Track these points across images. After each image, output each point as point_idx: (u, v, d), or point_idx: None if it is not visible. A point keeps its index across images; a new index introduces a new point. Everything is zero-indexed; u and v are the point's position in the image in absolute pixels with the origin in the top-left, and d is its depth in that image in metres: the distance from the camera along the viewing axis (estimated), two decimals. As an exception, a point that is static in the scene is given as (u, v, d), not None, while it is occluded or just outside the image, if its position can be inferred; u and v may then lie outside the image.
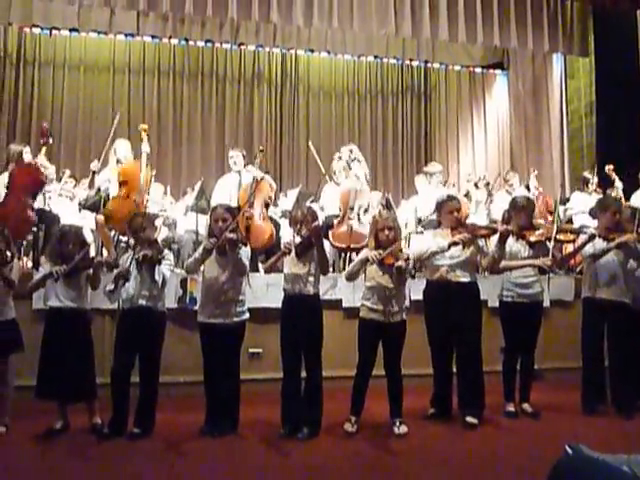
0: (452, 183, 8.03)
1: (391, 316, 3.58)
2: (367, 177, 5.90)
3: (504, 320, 4.10)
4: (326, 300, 4.16)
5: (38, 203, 5.04)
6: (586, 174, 6.58)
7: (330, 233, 5.40)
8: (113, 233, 5.23)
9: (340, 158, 5.98)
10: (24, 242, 5.12)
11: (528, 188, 6.85)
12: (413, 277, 3.67)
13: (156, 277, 3.48)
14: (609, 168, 6.52)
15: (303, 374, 3.61)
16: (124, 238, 5.03)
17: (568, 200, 6.59)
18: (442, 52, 9.41)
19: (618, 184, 6.41)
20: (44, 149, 5.18)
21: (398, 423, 3.60)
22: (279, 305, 3.68)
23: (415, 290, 4.43)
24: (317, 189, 6.20)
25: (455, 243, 3.71)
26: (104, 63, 9.30)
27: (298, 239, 3.57)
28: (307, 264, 3.54)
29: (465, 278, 3.80)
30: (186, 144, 9.50)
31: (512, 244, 3.96)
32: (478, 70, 9.90)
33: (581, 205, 6.21)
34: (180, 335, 4.41)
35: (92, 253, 4.43)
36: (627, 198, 6.11)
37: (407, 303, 3.87)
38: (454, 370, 3.90)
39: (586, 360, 4.13)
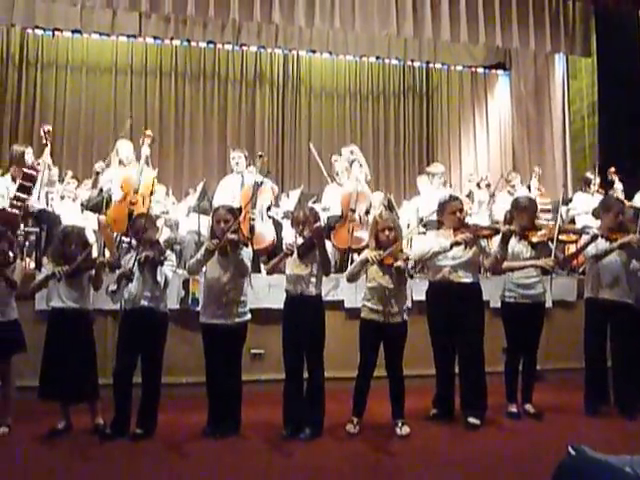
0: (450, 184, 8.02)
1: (391, 317, 3.58)
2: (367, 178, 5.90)
3: (506, 321, 4.09)
4: (328, 301, 4.16)
5: (40, 204, 5.06)
6: (588, 174, 6.57)
7: (332, 234, 5.41)
8: (115, 234, 5.24)
9: (336, 161, 5.99)
10: (27, 243, 5.14)
11: (529, 188, 6.85)
12: (411, 277, 3.66)
13: (158, 278, 3.48)
14: (611, 171, 6.52)
15: (305, 375, 3.61)
16: (126, 239, 5.04)
17: (570, 200, 6.58)
18: (444, 52, 9.41)
19: (618, 186, 6.40)
20: (47, 150, 5.20)
21: (400, 424, 3.60)
22: (281, 306, 3.68)
23: (417, 291, 4.43)
24: (319, 190, 6.21)
25: (457, 243, 3.70)
26: (106, 64, 9.32)
27: (300, 240, 3.57)
28: (309, 265, 3.54)
29: (467, 279, 3.80)
30: (188, 145, 9.52)
31: (514, 245, 3.96)
32: (480, 70, 9.90)
33: (584, 205, 6.21)
34: (182, 336, 4.41)
35: (94, 254, 4.43)
36: (630, 198, 6.10)
37: (409, 304, 3.87)
38: (456, 371, 3.89)
39: (589, 361, 4.12)
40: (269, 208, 5.48)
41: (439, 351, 3.91)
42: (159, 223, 5.18)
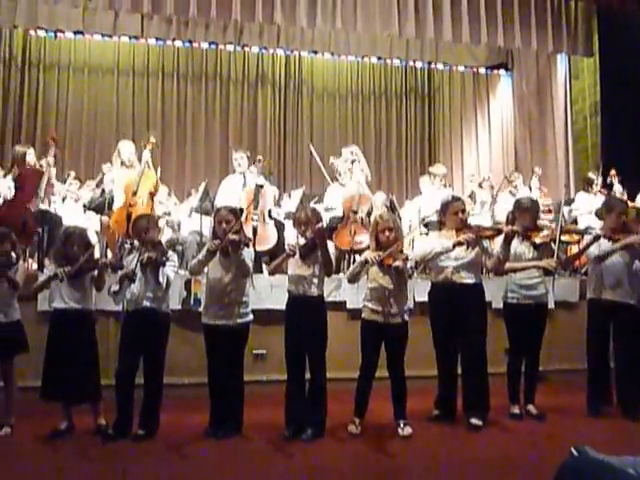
0: (451, 184, 8.01)
1: (391, 317, 3.57)
2: (368, 179, 5.89)
3: (508, 322, 4.08)
4: (330, 301, 4.16)
5: (43, 204, 5.07)
6: (590, 175, 6.56)
7: (334, 235, 5.41)
8: (117, 236, 5.24)
9: (332, 164, 6.00)
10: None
11: (530, 189, 6.84)
12: (410, 277, 3.66)
13: (160, 279, 3.48)
14: (611, 173, 6.51)
15: (307, 375, 3.61)
16: (127, 240, 5.04)
17: (573, 201, 6.56)
18: (446, 53, 9.40)
19: (617, 188, 6.40)
20: (52, 152, 5.22)
21: (402, 425, 3.60)
22: (283, 306, 3.68)
23: (420, 291, 4.42)
24: (321, 190, 6.21)
25: (460, 243, 3.70)
26: (108, 65, 9.34)
27: (302, 240, 3.57)
28: (311, 265, 3.54)
29: (470, 279, 3.79)
30: (190, 146, 9.53)
31: (517, 245, 3.95)
32: (482, 71, 9.88)
33: (586, 206, 6.20)
34: (184, 337, 4.42)
35: (97, 254, 4.44)
36: (632, 199, 6.08)
37: (411, 305, 3.86)
38: (459, 372, 3.89)
39: (591, 362, 4.11)
40: (270, 210, 5.48)
41: (441, 352, 3.91)
42: (161, 224, 5.19)
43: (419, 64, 9.97)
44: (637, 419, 3.84)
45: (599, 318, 4.08)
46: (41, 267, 4.75)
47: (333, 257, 3.63)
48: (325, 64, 10.15)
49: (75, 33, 8.47)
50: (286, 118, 9.97)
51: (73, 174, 6.79)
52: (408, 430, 3.57)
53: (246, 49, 9.37)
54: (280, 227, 5.49)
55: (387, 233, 3.58)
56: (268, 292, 4.54)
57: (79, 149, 9.06)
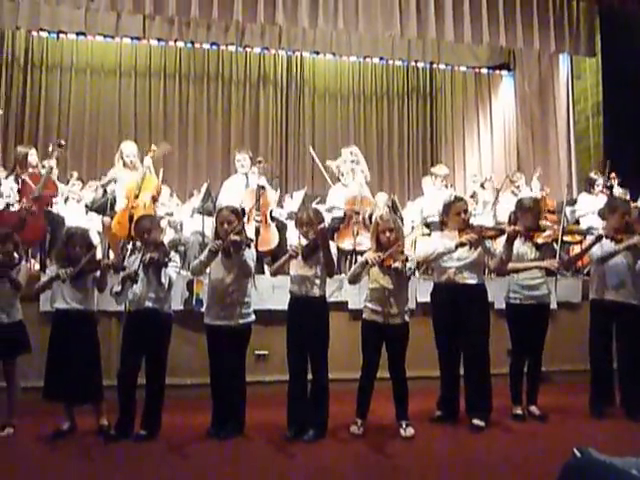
0: (453, 185, 8.00)
1: (390, 317, 3.57)
2: (367, 180, 5.89)
3: (511, 322, 4.08)
4: (332, 302, 4.15)
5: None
6: (592, 175, 6.55)
7: (336, 236, 5.41)
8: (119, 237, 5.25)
9: (329, 167, 6.00)
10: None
11: (531, 189, 6.83)
12: (409, 278, 3.66)
13: (162, 279, 3.48)
14: (611, 176, 6.50)
15: (309, 376, 3.60)
16: (129, 242, 5.05)
17: (576, 201, 6.55)
18: (448, 53, 9.40)
19: (617, 190, 6.38)
20: (55, 154, 5.24)
21: (404, 425, 3.59)
22: (285, 307, 3.68)
23: (422, 292, 4.41)
24: (323, 191, 6.21)
25: (462, 244, 3.69)
26: (111, 66, 9.36)
27: (304, 241, 3.57)
28: (313, 266, 3.53)
29: (472, 280, 3.79)
30: (192, 146, 9.54)
31: (519, 246, 3.94)
32: (484, 71, 9.88)
33: (589, 206, 6.18)
34: (186, 337, 4.42)
35: (99, 255, 4.44)
36: (635, 199, 6.07)
37: (413, 305, 3.86)
38: (461, 372, 3.88)
39: (594, 362, 4.10)
40: (271, 211, 5.49)
41: (444, 352, 3.90)
42: (163, 224, 5.20)
43: (421, 64, 9.97)
44: (640, 420, 3.84)
45: (602, 319, 4.07)
46: (43, 268, 4.76)
47: (335, 257, 3.63)
48: (327, 64, 10.15)
49: (77, 34, 8.49)
50: (288, 119, 9.96)
51: (76, 175, 6.80)
52: (410, 431, 3.57)
53: (248, 50, 9.38)
54: (282, 228, 5.50)
55: (388, 234, 3.58)
56: (270, 292, 4.54)
57: (81, 150, 9.06)
